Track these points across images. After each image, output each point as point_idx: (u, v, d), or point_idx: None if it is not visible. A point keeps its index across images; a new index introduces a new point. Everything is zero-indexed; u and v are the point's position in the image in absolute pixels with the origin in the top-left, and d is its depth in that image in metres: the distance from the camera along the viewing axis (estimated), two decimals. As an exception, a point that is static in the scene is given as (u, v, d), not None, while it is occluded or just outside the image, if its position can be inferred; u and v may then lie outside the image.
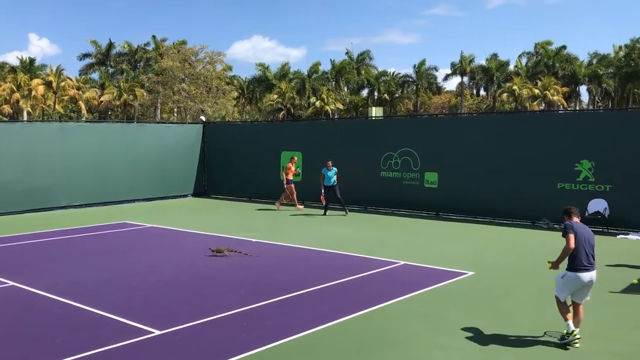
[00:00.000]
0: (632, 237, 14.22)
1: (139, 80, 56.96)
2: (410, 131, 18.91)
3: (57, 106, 58.99)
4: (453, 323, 7.72)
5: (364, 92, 72.41)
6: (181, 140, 23.49)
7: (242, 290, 7.78)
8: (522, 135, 16.47)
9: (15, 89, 56.39)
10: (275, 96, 64.41)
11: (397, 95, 71.38)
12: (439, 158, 17.97)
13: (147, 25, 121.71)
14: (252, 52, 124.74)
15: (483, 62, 68.35)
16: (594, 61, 66.00)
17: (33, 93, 56.58)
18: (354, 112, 68.42)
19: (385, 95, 69.28)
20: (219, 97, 51.30)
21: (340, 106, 66.51)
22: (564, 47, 65.11)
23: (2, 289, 9.61)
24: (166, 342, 7.11)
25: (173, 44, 56.56)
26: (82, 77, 64.37)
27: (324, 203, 18.64)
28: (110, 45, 64.54)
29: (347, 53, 72.75)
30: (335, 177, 18.32)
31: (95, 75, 66.65)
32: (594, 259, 6.94)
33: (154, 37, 63.65)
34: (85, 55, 65.31)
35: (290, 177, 19.57)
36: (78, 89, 60.23)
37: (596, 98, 68.18)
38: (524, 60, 67.69)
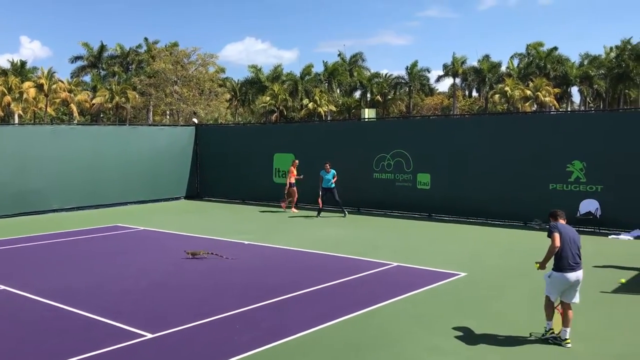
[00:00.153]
0: (623, 237, 14.30)
1: (131, 82, 56.83)
2: (403, 133, 18.94)
3: (48, 109, 58.77)
4: (446, 324, 7.73)
5: (357, 94, 72.55)
6: (173, 143, 23.43)
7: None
8: (513, 137, 16.53)
9: (6, 91, 56.13)
10: (268, 98, 64.40)
11: (389, 97, 71.55)
12: (431, 159, 18.01)
13: (139, 28, 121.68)
14: (244, 54, 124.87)
15: (475, 64, 68.70)
16: (585, 62, 66.41)
17: (24, 96, 56.37)
18: (346, 113, 68.50)
19: (378, 96, 69.43)
20: (211, 100, 51.20)
21: (333, 108, 66.56)
22: (556, 48, 65.56)
23: (-7, 293, 9.55)
24: (159, 345, 7.08)
25: (165, 46, 56.44)
26: (74, 79, 64.19)
27: (320, 206, 18.64)
28: (102, 48, 64.43)
29: (339, 55, 73.01)
30: (333, 180, 18.29)
31: (87, 78, 66.57)
32: (580, 259, 7.02)
33: (146, 39, 63.59)
34: (77, 58, 65.21)
35: (292, 180, 19.53)
36: (70, 91, 60.03)
37: (588, 99, 68.57)
38: (515, 62, 68.09)
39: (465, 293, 9.35)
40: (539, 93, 58.81)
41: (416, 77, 70.10)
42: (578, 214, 15.20)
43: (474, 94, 75.55)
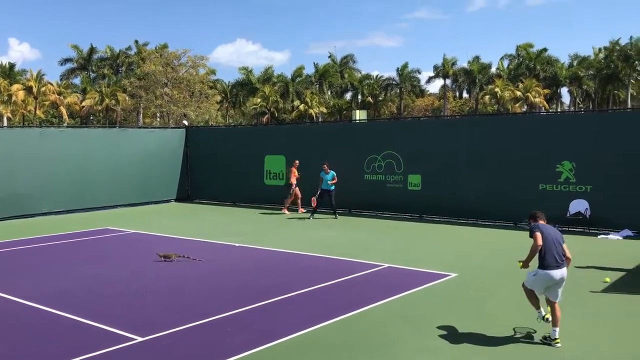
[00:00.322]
0: (612, 237, 14.38)
1: (121, 84, 56.59)
2: (393, 134, 18.98)
3: (37, 111, 58.41)
4: (437, 325, 7.74)
5: (348, 95, 72.62)
6: (164, 145, 23.36)
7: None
8: (503, 137, 16.61)
9: (-6, 94, 55.73)
10: (259, 100, 64.34)
11: (380, 98, 71.70)
12: (422, 160, 18.05)
13: (129, 30, 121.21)
14: (235, 56, 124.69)
15: (465, 65, 68.96)
16: (575, 63, 66.85)
17: (13, 98, 55.95)
18: (338, 115, 68.56)
19: (369, 98, 69.55)
20: (202, 102, 51.08)
21: (324, 109, 66.57)
22: (545, 49, 65.93)
23: (-19, 297, 9.47)
24: (149, 348, 7.05)
25: (155, 48, 56.26)
26: (64, 82, 63.87)
27: (313, 205, 18.65)
28: (92, 50, 64.12)
29: (330, 56, 72.97)
30: (333, 181, 18.17)
31: (76, 80, 66.23)
32: (563, 257, 7.09)
33: (136, 41, 63.38)
34: (67, 60, 64.89)
35: (294, 181, 19.49)
36: (59, 94, 59.71)
37: (577, 99, 69.02)
38: (505, 63, 68.42)
39: (456, 293, 9.37)
40: (529, 94, 59.13)
41: (407, 79, 70.30)
42: (568, 214, 15.30)
43: (465, 95, 75.89)
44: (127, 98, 55.57)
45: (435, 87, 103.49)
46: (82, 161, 20.59)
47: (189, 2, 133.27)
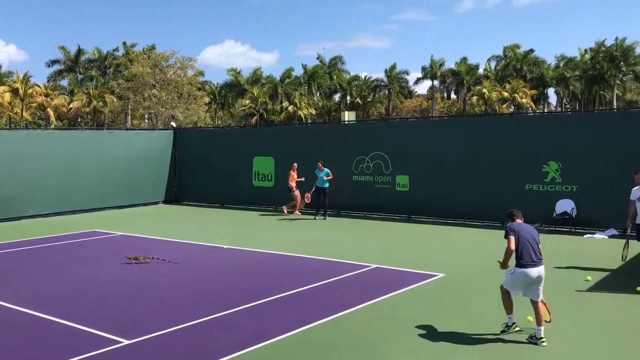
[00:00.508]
0: (598, 236, 14.51)
1: (109, 86, 56.27)
2: (381, 135, 19.03)
3: (24, 113, 57.91)
4: (424, 325, 7.78)
5: (337, 97, 72.68)
6: (151, 147, 23.27)
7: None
8: (490, 138, 16.71)
9: (-20, 96, 55.20)
10: (248, 101, 64.23)
11: (369, 100, 71.81)
12: (410, 161, 18.11)
13: (117, 31, 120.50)
14: (224, 57, 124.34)
15: (453, 66, 69.21)
16: (561, 64, 67.30)
17: (-1, 100, 55.45)
18: (326, 116, 68.59)
19: (358, 99, 69.65)
20: (190, 103, 50.91)
21: (313, 111, 66.59)
22: (532, 50, 66.35)
23: (-34, 301, 9.39)
24: (136, 351, 7.03)
25: (143, 49, 55.99)
26: (51, 83, 63.35)
27: (307, 201, 18.77)
28: (80, 52, 63.68)
29: (318, 57, 72.98)
30: (327, 179, 18.28)
31: (64, 82, 65.71)
32: (541, 255, 7.16)
33: (124, 43, 63.06)
34: (54, 62, 64.37)
35: (293, 183, 19.44)
36: (46, 95, 59.24)
37: (564, 100, 69.54)
38: (493, 64, 68.75)
39: (443, 294, 9.42)
40: (516, 95, 59.46)
41: (395, 80, 70.48)
42: (554, 214, 15.41)
43: (453, 96, 76.17)
44: (114, 100, 55.26)
45: (423, 88, 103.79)
46: (69, 163, 20.48)
47: (177, 3, 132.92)
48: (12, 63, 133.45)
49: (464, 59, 69.32)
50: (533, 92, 62.46)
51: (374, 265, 11.46)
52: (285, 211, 19.76)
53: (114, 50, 64.29)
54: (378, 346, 7.09)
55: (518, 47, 67.02)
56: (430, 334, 7.47)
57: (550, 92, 70.02)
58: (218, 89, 70.42)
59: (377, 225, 17.27)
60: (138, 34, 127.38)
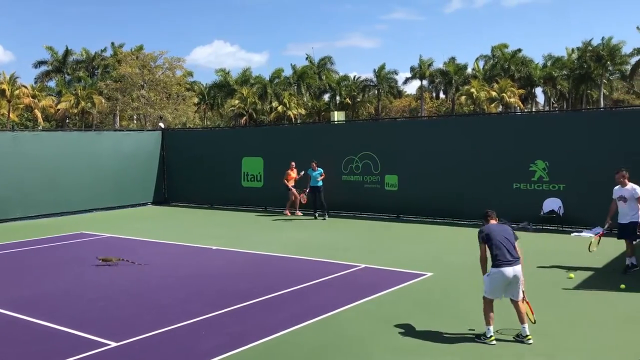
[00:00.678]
0: (585, 234, 14.62)
1: (97, 87, 55.95)
2: (370, 135, 19.07)
3: (11, 115, 57.44)
4: (412, 325, 7.80)
5: (326, 97, 72.71)
6: (140, 148, 23.16)
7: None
8: (478, 138, 16.79)
9: (-34, 97, 54.73)
10: (237, 101, 64.11)
11: (358, 100, 71.89)
12: (398, 161, 18.17)
13: (105, 31, 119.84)
14: (213, 57, 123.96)
15: (441, 66, 69.48)
16: (549, 63, 67.71)
17: (-15, 102, 54.99)
18: (316, 116, 68.59)
19: (347, 99, 69.72)
20: (179, 104, 50.73)
21: (303, 111, 66.58)
22: (519, 50, 66.72)
23: (-49, 305, 9.30)
24: (123, 354, 7.00)
25: (131, 50, 55.74)
26: (38, 84, 62.90)
27: (303, 202, 18.81)
28: (67, 52, 63.27)
29: (307, 58, 72.95)
30: (320, 179, 18.33)
31: (51, 83, 65.26)
32: (516, 254, 7.19)
33: (112, 43, 62.72)
34: (41, 63, 63.91)
35: (291, 183, 19.36)
36: (33, 97, 58.81)
37: (551, 99, 69.97)
38: (481, 64, 69.02)
39: (431, 293, 9.46)
40: (504, 94, 59.78)
41: (384, 80, 70.61)
42: (541, 213, 15.53)
43: (441, 95, 76.43)
44: (103, 101, 54.97)
45: (412, 88, 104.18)
46: (56, 165, 20.33)
47: (166, 3, 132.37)
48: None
49: (453, 59, 69.66)
50: (521, 91, 62.83)
51: (363, 265, 11.49)
52: (287, 213, 19.60)
53: (102, 51, 63.98)
54: (364, 347, 7.10)
55: (506, 46, 67.41)
56: (417, 333, 7.50)
57: (538, 91, 70.55)
58: (207, 89, 70.23)
59: (366, 224, 17.30)
60: (126, 34, 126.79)
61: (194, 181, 23.08)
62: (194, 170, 22.98)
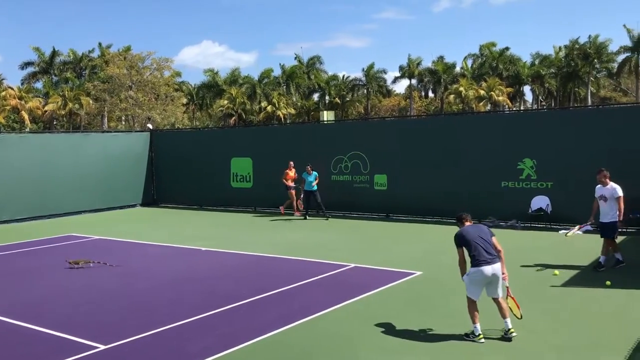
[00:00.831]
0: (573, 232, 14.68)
1: (85, 88, 55.61)
2: (359, 134, 19.10)
3: (-2, 117, 56.95)
4: (400, 324, 7.83)
5: (315, 97, 72.68)
6: (128, 149, 23.05)
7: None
8: (466, 136, 16.86)
9: (-49, 100, 54.18)
10: (226, 102, 63.93)
11: (348, 99, 71.94)
12: (387, 160, 18.21)
13: (93, 32, 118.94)
14: (201, 57, 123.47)
15: (430, 65, 69.64)
16: (537, 62, 68.08)
17: (-29, 104, 54.48)
18: (305, 116, 68.55)
19: (337, 99, 69.74)
20: (167, 104, 50.56)
21: (292, 111, 66.54)
22: (507, 48, 67.00)
23: (-63, 309, 9.22)
24: (112, 356, 6.98)
25: (118, 50, 55.47)
26: (25, 86, 62.37)
27: (300, 207, 18.78)
28: (54, 53, 62.82)
29: (296, 57, 72.88)
30: (315, 182, 18.20)
31: (38, 84, 64.75)
32: (494, 252, 7.25)
33: (99, 44, 62.35)
34: (28, 64, 63.40)
35: (290, 182, 19.22)
36: (20, 98, 58.32)
37: (540, 97, 70.35)
38: (469, 62, 69.32)
39: (420, 292, 9.50)
40: (492, 93, 60.01)
41: (373, 79, 70.68)
42: (530, 210, 15.62)
43: (430, 94, 76.62)
44: (91, 102, 54.64)
45: (401, 87, 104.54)
46: (43, 167, 20.20)
47: (154, 3, 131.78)
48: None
49: (441, 58, 69.86)
50: (509, 89, 63.12)
51: (352, 265, 11.51)
52: (283, 213, 19.48)
53: (89, 51, 63.56)
54: (351, 347, 7.11)
55: (494, 45, 67.68)
56: (405, 332, 7.52)
57: (526, 89, 70.83)
58: (195, 89, 70.01)
59: (355, 224, 17.33)
60: (114, 34, 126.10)
61: (183, 182, 23.00)
62: (183, 171, 22.91)
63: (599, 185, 10.86)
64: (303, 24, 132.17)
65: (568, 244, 13.17)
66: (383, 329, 7.66)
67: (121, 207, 22.60)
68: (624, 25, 73.65)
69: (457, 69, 69.23)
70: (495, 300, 7.30)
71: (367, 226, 16.92)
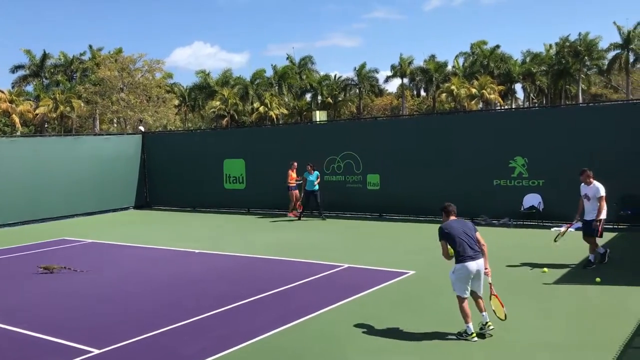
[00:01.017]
0: (563, 229, 14.77)
1: (76, 91, 55.38)
2: (351, 134, 19.13)
3: (-12, 121, 56.67)
4: (393, 324, 7.86)
5: (308, 97, 72.67)
6: (120, 152, 23.00)
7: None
8: (458, 135, 16.93)
9: (-58, 104, 53.85)
10: (218, 103, 63.84)
11: (340, 99, 71.98)
12: (380, 160, 18.25)
13: (84, 34, 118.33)
14: (193, 58, 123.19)
15: (422, 64, 69.78)
16: (527, 60, 68.35)
17: (-39, 108, 54.16)
18: (298, 116, 68.54)
19: (329, 99, 69.76)
20: (159, 106, 50.42)
21: (285, 111, 66.52)
22: (498, 46, 67.28)
23: None
24: (105, 360, 6.98)
25: (109, 52, 55.29)
26: (16, 89, 62.07)
27: (299, 209, 18.73)
28: (45, 56, 62.53)
29: (288, 58, 72.86)
30: (317, 182, 18.08)
31: (29, 88, 64.43)
32: (478, 248, 7.30)
33: (90, 46, 62.11)
34: (18, 67, 63.07)
35: (293, 183, 19.07)
36: (11, 102, 58.04)
37: (531, 95, 70.63)
38: (461, 61, 69.52)
39: (413, 291, 9.54)
40: (484, 91, 60.23)
41: (365, 79, 70.74)
42: (522, 208, 15.71)
43: (422, 93, 76.77)
44: (82, 104, 54.43)
45: (393, 86, 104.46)
46: (35, 171, 20.13)
47: (145, 4, 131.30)
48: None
49: (433, 57, 69.98)
50: (501, 87, 63.36)
51: (346, 265, 11.54)
52: (290, 215, 19.30)
53: (80, 54, 63.31)
54: (343, 347, 7.13)
55: (485, 43, 67.92)
56: (398, 332, 7.56)
57: (518, 87, 71.12)
58: (187, 91, 69.89)
59: (348, 224, 17.36)
60: (105, 36, 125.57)
61: (175, 184, 22.96)
62: (176, 173, 22.87)
63: (583, 184, 11.03)
64: (294, 25, 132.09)
65: (560, 242, 13.25)
66: (377, 329, 7.69)
67: (114, 210, 22.55)
68: (614, 22, 74.10)
69: (449, 67, 69.45)
70: (475, 295, 7.34)
71: (360, 226, 16.95)
